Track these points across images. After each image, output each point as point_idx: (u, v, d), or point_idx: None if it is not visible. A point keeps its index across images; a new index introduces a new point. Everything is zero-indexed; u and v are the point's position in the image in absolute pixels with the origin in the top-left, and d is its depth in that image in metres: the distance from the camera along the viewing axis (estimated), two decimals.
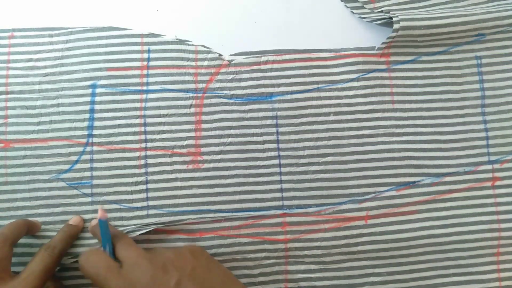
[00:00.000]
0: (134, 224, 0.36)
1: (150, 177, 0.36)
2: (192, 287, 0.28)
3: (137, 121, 0.37)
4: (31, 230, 0.34)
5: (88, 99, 0.37)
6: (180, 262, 0.30)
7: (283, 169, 0.37)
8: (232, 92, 0.37)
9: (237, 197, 0.36)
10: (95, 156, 0.36)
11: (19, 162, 0.36)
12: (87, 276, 0.29)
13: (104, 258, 0.29)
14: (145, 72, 0.37)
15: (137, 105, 0.37)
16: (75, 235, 0.35)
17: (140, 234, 0.36)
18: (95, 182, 0.36)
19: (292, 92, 0.37)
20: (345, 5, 0.39)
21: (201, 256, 0.31)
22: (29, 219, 0.35)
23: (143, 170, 0.36)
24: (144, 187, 0.36)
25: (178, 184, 0.36)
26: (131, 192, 0.36)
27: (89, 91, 0.37)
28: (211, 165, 0.37)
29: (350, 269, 0.36)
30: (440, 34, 0.36)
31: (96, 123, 0.36)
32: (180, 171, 0.36)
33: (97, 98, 0.37)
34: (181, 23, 0.38)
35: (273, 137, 0.37)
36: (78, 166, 0.36)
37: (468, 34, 0.37)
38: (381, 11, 0.38)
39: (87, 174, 0.36)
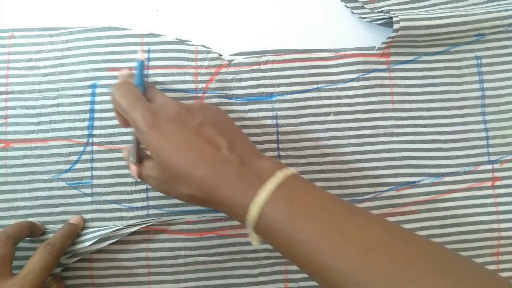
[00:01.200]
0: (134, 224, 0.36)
1: None
2: (210, 130, 0.28)
3: None
4: (34, 233, 0.34)
5: (88, 99, 0.37)
6: (206, 110, 0.30)
7: None
8: (232, 92, 0.37)
9: None
10: (95, 156, 0.36)
11: (19, 162, 0.36)
12: (115, 102, 0.29)
13: (135, 90, 0.30)
14: (145, 72, 0.37)
15: None
16: (75, 234, 0.35)
17: (140, 234, 0.36)
18: (95, 182, 0.36)
19: (292, 92, 0.37)
20: (345, 5, 0.39)
21: (225, 114, 0.31)
22: (34, 221, 0.35)
23: None
24: (144, 187, 0.36)
25: None
26: (131, 192, 0.36)
27: (89, 91, 0.37)
28: None
29: None
30: (440, 34, 0.36)
31: (96, 123, 0.36)
32: None
33: (97, 98, 0.37)
34: (181, 23, 0.38)
35: (273, 137, 0.37)
36: (78, 166, 0.36)
37: (468, 34, 0.37)
38: (381, 11, 0.38)
39: (87, 174, 0.36)
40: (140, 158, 0.31)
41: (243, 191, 0.26)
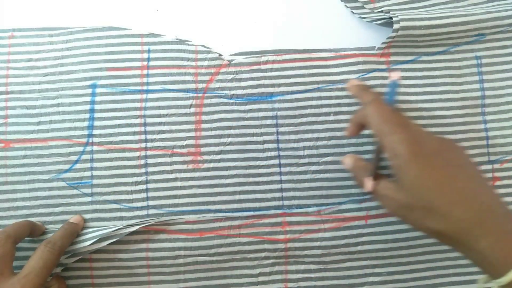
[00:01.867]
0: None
1: (150, 177, 0.36)
2: (472, 173, 0.28)
3: (137, 121, 0.37)
4: (35, 232, 0.34)
5: (88, 99, 0.37)
6: (461, 151, 0.29)
7: (283, 169, 0.37)
8: (232, 92, 0.37)
9: (237, 197, 0.36)
10: (95, 156, 0.36)
11: (19, 162, 0.36)
12: (373, 123, 0.29)
13: (393, 112, 0.29)
14: (145, 72, 0.37)
15: (137, 105, 0.37)
16: (75, 233, 0.35)
17: (140, 234, 0.36)
18: (95, 182, 0.36)
19: (292, 92, 0.37)
20: (345, 5, 0.39)
21: (470, 160, 0.30)
22: (34, 221, 0.35)
23: (143, 170, 0.36)
24: (144, 187, 0.36)
25: (178, 184, 0.36)
26: (131, 192, 0.36)
27: (89, 91, 0.37)
28: (211, 165, 0.37)
29: (350, 269, 0.36)
30: (440, 34, 0.36)
31: (96, 123, 0.37)
32: (180, 171, 0.36)
33: (97, 98, 0.37)
34: (181, 23, 0.38)
35: (273, 137, 0.37)
36: (78, 166, 0.36)
37: (468, 34, 0.37)
38: (381, 11, 0.38)
39: (87, 174, 0.36)
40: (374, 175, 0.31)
41: (507, 248, 0.25)
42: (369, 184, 0.30)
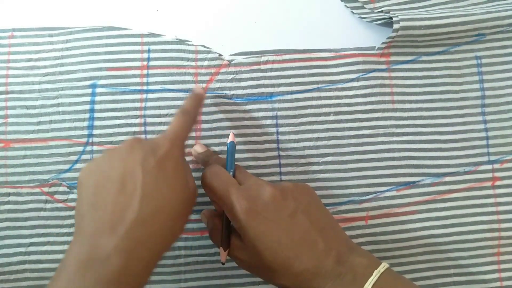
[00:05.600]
0: None
1: None
2: (304, 221, 0.28)
3: (137, 121, 0.37)
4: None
5: (88, 99, 0.37)
6: (297, 194, 0.30)
7: (283, 169, 0.37)
8: (232, 92, 0.37)
9: None
10: (95, 156, 0.36)
11: (19, 162, 0.36)
12: (208, 188, 0.29)
13: (228, 175, 0.30)
14: (145, 72, 0.37)
15: (137, 105, 0.37)
16: (202, 102, 0.34)
17: None
18: None
19: (292, 92, 0.37)
20: (345, 5, 0.39)
21: (314, 194, 0.31)
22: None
23: None
24: None
25: None
26: None
27: (89, 91, 0.37)
28: None
29: None
30: (440, 34, 0.36)
31: (96, 123, 0.36)
32: None
33: (97, 98, 0.37)
34: (181, 23, 0.38)
35: (273, 137, 0.37)
36: (78, 166, 0.36)
37: (468, 34, 0.37)
38: (381, 11, 0.38)
39: None
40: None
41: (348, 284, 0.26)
42: (221, 254, 0.30)
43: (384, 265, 0.27)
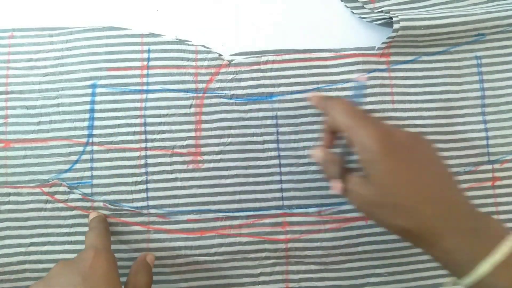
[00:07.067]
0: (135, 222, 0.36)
1: (150, 177, 0.36)
2: (439, 166, 0.28)
3: (137, 121, 0.37)
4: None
5: (88, 99, 0.37)
6: (426, 143, 0.29)
7: (283, 169, 0.37)
8: (232, 92, 0.37)
9: (237, 197, 0.36)
10: (95, 156, 0.36)
11: (19, 162, 0.36)
12: (335, 118, 0.29)
13: (360, 108, 0.29)
14: (145, 72, 0.37)
15: (137, 105, 0.37)
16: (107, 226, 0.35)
17: (140, 234, 0.36)
18: (95, 182, 0.36)
19: (292, 92, 0.37)
20: (345, 5, 0.39)
21: (437, 151, 0.30)
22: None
23: (143, 170, 0.36)
24: (144, 187, 0.36)
25: (178, 184, 0.36)
26: (131, 192, 0.36)
27: (89, 91, 0.37)
28: (211, 165, 0.37)
29: (351, 269, 0.36)
30: (440, 34, 0.36)
31: (96, 123, 0.36)
32: (180, 171, 0.36)
33: (97, 98, 0.37)
34: (181, 23, 0.38)
35: (273, 137, 0.37)
36: (78, 166, 0.36)
37: (468, 34, 0.37)
38: (381, 11, 0.38)
39: (87, 174, 0.36)
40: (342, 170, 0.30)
41: (472, 245, 0.25)
42: (338, 186, 0.30)
43: None
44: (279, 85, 0.37)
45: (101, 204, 0.36)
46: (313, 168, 0.37)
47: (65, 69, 0.37)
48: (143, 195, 0.36)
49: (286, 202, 0.37)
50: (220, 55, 0.38)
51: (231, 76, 0.37)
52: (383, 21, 0.38)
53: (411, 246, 0.36)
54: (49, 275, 0.28)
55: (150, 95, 0.37)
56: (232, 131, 0.37)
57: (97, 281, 0.27)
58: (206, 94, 0.37)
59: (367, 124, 0.28)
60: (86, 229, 0.35)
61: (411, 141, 0.28)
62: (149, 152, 0.36)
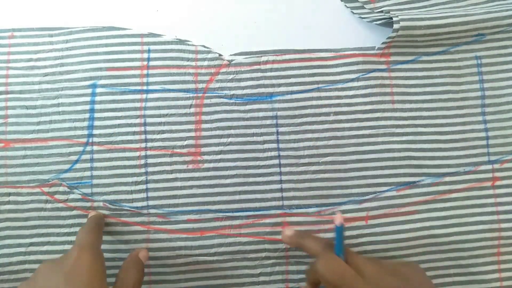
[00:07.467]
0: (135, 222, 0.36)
1: (150, 177, 0.36)
2: None
3: (137, 121, 0.37)
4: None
5: (88, 99, 0.37)
6: (407, 278, 0.29)
7: (283, 169, 0.37)
8: (232, 92, 0.37)
9: (237, 197, 0.36)
10: (95, 156, 0.36)
11: (19, 162, 0.36)
12: (327, 282, 0.29)
13: (345, 265, 0.29)
14: (145, 72, 0.37)
15: (137, 105, 0.37)
16: (102, 225, 0.35)
17: (140, 234, 0.36)
18: (95, 182, 0.36)
19: (292, 92, 0.37)
20: (345, 5, 0.39)
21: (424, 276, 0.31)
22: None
23: (143, 170, 0.36)
24: (144, 187, 0.36)
25: (178, 184, 0.36)
26: (131, 192, 0.36)
27: (89, 91, 0.37)
28: (211, 165, 0.37)
29: None
30: (440, 34, 0.36)
31: (96, 123, 0.36)
32: (180, 171, 0.36)
33: (97, 98, 0.37)
34: (181, 23, 0.38)
35: (273, 137, 0.37)
36: (78, 166, 0.36)
37: (468, 34, 0.37)
38: (381, 11, 0.38)
39: (87, 174, 0.36)
40: None
41: None
42: None
43: None
44: (279, 85, 0.37)
45: (101, 204, 0.36)
46: (313, 168, 0.37)
47: (65, 69, 0.37)
48: (143, 195, 0.36)
49: (286, 202, 0.37)
50: (220, 55, 0.38)
51: (231, 76, 0.37)
52: (383, 21, 0.38)
53: (412, 246, 0.36)
54: (33, 276, 0.28)
55: (150, 95, 0.37)
56: (232, 131, 0.37)
57: (79, 279, 0.27)
58: (206, 94, 0.37)
59: (352, 283, 0.28)
60: None
61: (394, 284, 0.28)
62: (149, 152, 0.36)
